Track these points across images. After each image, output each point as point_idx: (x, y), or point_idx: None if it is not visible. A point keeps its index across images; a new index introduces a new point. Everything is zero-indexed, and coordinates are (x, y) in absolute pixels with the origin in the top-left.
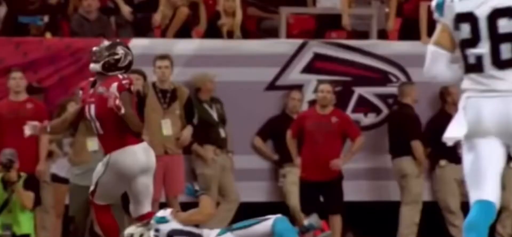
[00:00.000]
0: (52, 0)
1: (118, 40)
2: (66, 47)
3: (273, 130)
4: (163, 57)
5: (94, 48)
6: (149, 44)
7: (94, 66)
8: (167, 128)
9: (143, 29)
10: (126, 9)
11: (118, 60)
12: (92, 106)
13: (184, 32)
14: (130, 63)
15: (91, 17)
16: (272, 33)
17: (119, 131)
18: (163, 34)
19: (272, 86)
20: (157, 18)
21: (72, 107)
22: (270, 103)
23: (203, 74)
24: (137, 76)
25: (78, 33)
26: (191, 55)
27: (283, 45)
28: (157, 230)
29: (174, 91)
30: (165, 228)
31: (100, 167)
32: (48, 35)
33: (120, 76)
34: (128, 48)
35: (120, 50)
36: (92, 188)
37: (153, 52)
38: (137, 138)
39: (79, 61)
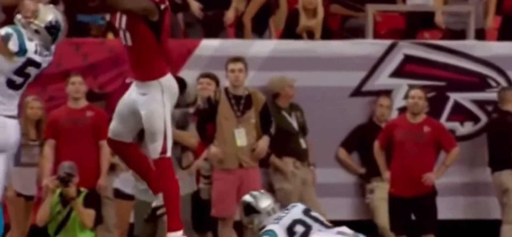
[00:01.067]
0: None
1: None
2: None
3: (359, 140)
4: (237, 59)
5: None
6: (221, 46)
7: None
8: (242, 138)
9: (215, 28)
10: (195, 6)
11: None
12: (124, 16)
13: (261, 21)
14: None
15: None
16: (358, 33)
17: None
18: (237, 33)
19: (357, 92)
20: (229, 15)
21: None
22: (355, 111)
23: (281, 78)
24: (209, 80)
25: None
26: (267, 57)
27: (370, 47)
28: None
29: (249, 97)
30: None
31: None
32: (110, 35)
33: None
34: None
35: None
36: None
37: (225, 54)
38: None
39: None
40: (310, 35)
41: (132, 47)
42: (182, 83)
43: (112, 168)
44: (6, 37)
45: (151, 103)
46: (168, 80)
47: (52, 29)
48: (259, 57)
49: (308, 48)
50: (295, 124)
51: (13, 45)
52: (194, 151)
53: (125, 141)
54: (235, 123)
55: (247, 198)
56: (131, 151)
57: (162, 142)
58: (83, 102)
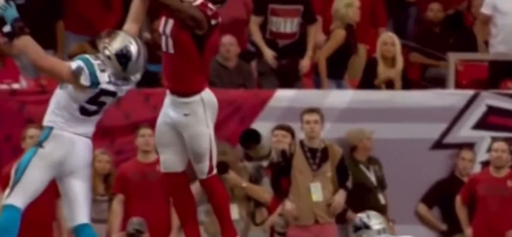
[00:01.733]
0: None
1: None
2: None
3: (440, 195)
4: (312, 110)
5: None
6: (296, 96)
7: None
8: (317, 192)
9: (289, 77)
10: (269, 54)
11: None
12: (170, 20)
13: (338, 60)
14: None
15: (230, 64)
16: (439, 83)
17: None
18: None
19: (439, 144)
20: (305, 64)
21: None
22: (436, 164)
23: (359, 130)
24: (284, 133)
25: (216, 83)
26: (344, 108)
27: (452, 97)
28: None
29: (325, 150)
30: None
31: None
32: None
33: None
34: None
35: None
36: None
37: (301, 105)
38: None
39: (217, 116)
40: (389, 85)
41: (173, 56)
42: (256, 136)
43: None
44: (78, 72)
45: (195, 125)
46: (209, 94)
47: (122, 58)
48: (336, 108)
49: (387, 99)
50: (373, 178)
51: (85, 80)
52: (268, 207)
53: (180, 171)
54: (310, 177)
55: (360, 214)
56: (185, 187)
57: (208, 163)
58: (153, 156)
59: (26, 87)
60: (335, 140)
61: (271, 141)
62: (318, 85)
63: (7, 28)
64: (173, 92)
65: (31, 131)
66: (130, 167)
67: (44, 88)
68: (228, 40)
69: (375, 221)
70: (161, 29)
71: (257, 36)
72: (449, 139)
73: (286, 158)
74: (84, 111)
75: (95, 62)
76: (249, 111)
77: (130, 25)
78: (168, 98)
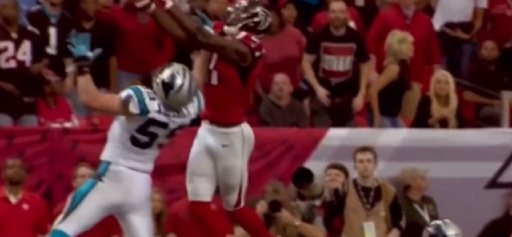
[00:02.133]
0: None
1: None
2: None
3: (495, 235)
4: (365, 149)
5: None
6: (349, 135)
7: (229, 30)
8: (371, 232)
9: (342, 116)
10: (322, 92)
11: (257, 23)
12: (214, 55)
13: (392, 96)
14: (270, 26)
15: (282, 103)
16: (493, 121)
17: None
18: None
19: (493, 183)
20: (358, 102)
21: (261, 207)
22: (490, 204)
23: (413, 169)
24: (338, 172)
25: (268, 122)
26: (398, 147)
27: (506, 136)
28: None
29: (379, 189)
30: None
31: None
32: None
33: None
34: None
35: (260, 11)
36: None
37: (353, 143)
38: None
39: (268, 155)
40: (443, 124)
41: (216, 88)
42: (308, 175)
43: None
44: (127, 100)
45: (231, 157)
46: (248, 128)
47: (166, 85)
48: (389, 146)
49: (440, 138)
50: (427, 218)
51: (133, 107)
52: None
53: (210, 200)
54: (364, 216)
55: (437, 221)
56: (215, 215)
57: (237, 196)
58: None
59: (78, 126)
60: (388, 179)
61: (324, 180)
62: (371, 122)
63: (70, 68)
64: (213, 121)
65: (82, 170)
66: (182, 206)
67: (96, 127)
68: (280, 78)
69: (452, 231)
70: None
71: (310, 75)
72: (503, 178)
73: (339, 197)
74: (135, 141)
75: (145, 91)
76: (301, 150)
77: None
78: (206, 127)
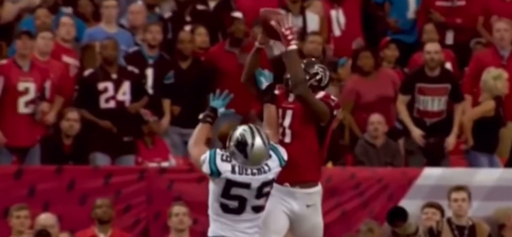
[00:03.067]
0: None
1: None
2: (350, 177)
3: None
4: (460, 188)
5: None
6: (444, 174)
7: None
8: None
9: (436, 155)
10: (417, 133)
11: (320, 81)
12: (289, 113)
13: (488, 132)
14: (330, 79)
15: (377, 142)
16: None
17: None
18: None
19: None
20: (451, 141)
21: None
22: None
23: (507, 208)
24: (434, 210)
25: (363, 162)
26: (492, 186)
27: None
28: None
29: (473, 228)
30: None
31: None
32: (329, 164)
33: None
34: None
35: (319, 69)
36: None
37: (448, 183)
38: None
39: (363, 194)
40: None
41: (291, 146)
42: (403, 214)
43: None
44: (202, 162)
45: (316, 215)
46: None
47: (239, 145)
48: (483, 186)
49: None
50: None
51: (205, 168)
52: None
53: None
54: None
55: None
56: None
57: None
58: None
59: (175, 166)
60: (483, 218)
61: (420, 219)
62: (468, 162)
63: (201, 115)
64: (295, 183)
65: (176, 209)
66: None
67: (192, 167)
68: (376, 119)
69: None
70: (280, 119)
71: (405, 115)
72: None
73: (434, 235)
74: (225, 208)
75: (220, 153)
76: (396, 189)
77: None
78: (284, 190)
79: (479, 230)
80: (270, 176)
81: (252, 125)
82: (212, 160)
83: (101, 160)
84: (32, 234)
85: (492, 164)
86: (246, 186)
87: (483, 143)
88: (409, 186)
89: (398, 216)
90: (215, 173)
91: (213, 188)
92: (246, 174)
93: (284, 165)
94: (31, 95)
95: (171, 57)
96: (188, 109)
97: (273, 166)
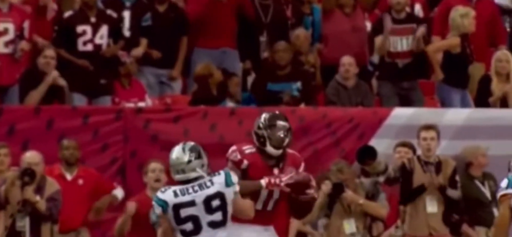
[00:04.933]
0: (308, 65)
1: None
2: (322, 117)
3: None
4: (429, 127)
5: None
6: (413, 114)
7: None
8: (433, 205)
9: (407, 99)
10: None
11: None
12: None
13: (458, 68)
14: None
15: (349, 83)
16: None
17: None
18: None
19: None
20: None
21: (326, 186)
22: None
23: (475, 147)
24: (406, 149)
25: (334, 102)
26: (461, 125)
27: None
28: None
29: (439, 164)
30: None
31: None
32: (302, 104)
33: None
34: None
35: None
36: None
37: (417, 122)
38: None
39: (335, 133)
40: (503, 103)
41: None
42: (373, 152)
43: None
44: (152, 211)
45: None
46: None
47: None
48: (452, 125)
49: (502, 116)
50: (488, 193)
51: (157, 211)
52: (384, 221)
53: None
54: (428, 190)
55: None
56: None
57: None
58: None
59: (151, 106)
60: (451, 157)
61: (388, 158)
62: (441, 96)
63: None
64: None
65: (153, 165)
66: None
67: (168, 107)
68: (347, 60)
69: None
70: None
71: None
72: None
73: (406, 172)
74: (184, 233)
75: (158, 192)
76: (367, 129)
77: None
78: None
79: (445, 164)
80: (214, 189)
81: (184, 144)
82: (157, 199)
83: (79, 100)
84: (18, 172)
85: (464, 100)
86: (191, 203)
87: (454, 78)
88: (379, 126)
89: (367, 154)
90: (164, 206)
91: (172, 225)
92: (188, 193)
93: (232, 186)
94: (11, 35)
95: (148, 0)
96: (165, 51)
97: (217, 181)
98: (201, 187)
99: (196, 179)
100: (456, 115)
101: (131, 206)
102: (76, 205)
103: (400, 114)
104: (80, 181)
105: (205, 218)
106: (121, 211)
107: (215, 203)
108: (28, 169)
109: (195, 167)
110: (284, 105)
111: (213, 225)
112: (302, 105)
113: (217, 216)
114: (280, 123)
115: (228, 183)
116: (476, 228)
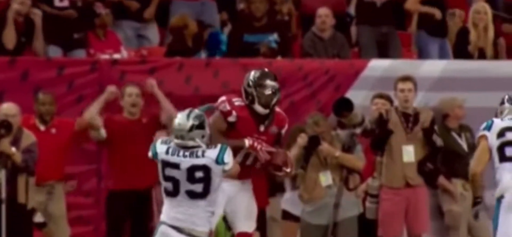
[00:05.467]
0: (281, 15)
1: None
2: (298, 69)
3: None
4: (406, 79)
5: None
6: (390, 65)
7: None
8: (409, 154)
9: (385, 48)
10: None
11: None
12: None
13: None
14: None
15: (325, 35)
16: None
17: None
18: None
19: None
20: (412, 29)
21: (302, 139)
22: None
23: (451, 99)
24: (384, 101)
25: (311, 54)
26: (437, 77)
27: None
28: None
29: (417, 114)
30: None
31: None
32: (278, 57)
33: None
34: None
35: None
36: None
37: (394, 74)
38: None
39: (311, 86)
40: (481, 54)
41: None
42: (349, 104)
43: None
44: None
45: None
46: None
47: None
48: (429, 77)
49: (479, 68)
50: (464, 145)
51: (150, 153)
52: (361, 173)
53: None
54: (404, 139)
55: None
56: None
57: None
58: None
59: (126, 57)
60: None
61: (365, 110)
62: (419, 46)
63: None
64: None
65: (129, 89)
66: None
67: (144, 58)
68: (324, 11)
69: None
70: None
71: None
72: None
73: (383, 123)
74: (165, 191)
75: (161, 138)
76: (343, 81)
77: None
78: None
79: (423, 115)
80: (202, 161)
81: (187, 111)
82: (154, 145)
83: (54, 52)
84: None
85: (443, 49)
86: (176, 166)
87: (431, 26)
88: (356, 77)
89: (344, 106)
90: (155, 154)
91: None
92: (178, 155)
93: (223, 165)
94: None
95: None
96: (142, 3)
97: (209, 154)
98: (191, 154)
99: (193, 147)
100: (433, 66)
101: (112, 88)
102: (50, 156)
103: (377, 66)
104: (53, 130)
105: (184, 185)
106: (97, 162)
107: (199, 174)
108: (4, 121)
109: (194, 136)
110: (261, 57)
111: (191, 194)
112: (279, 58)
113: (197, 187)
114: (269, 82)
115: (218, 161)
116: (452, 180)
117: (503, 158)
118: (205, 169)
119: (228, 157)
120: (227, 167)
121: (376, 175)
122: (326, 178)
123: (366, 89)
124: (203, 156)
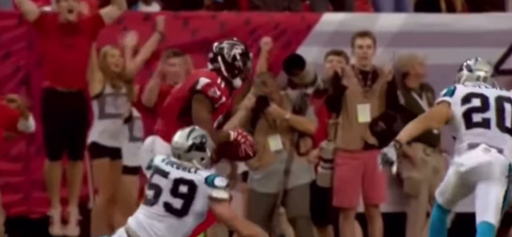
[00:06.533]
0: None
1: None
2: (245, 23)
3: None
4: (365, 34)
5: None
6: (344, 19)
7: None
8: (365, 113)
9: (339, 0)
10: None
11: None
12: None
13: None
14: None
15: None
16: (497, 6)
17: None
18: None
19: (496, 70)
20: None
21: (249, 100)
22: None
23: (411, 56)
24: (339, 58)
25: (259, 6)
26: (396, 32)
27: (510, 21)
28: None
29: (375, 72)
30: None
31: None
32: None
33: None
34: None
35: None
36: None
37: (349, 29)
38: None
39: (259, 40)
40: (450, 8)
41: None
42: (301, 62)
43: None
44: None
45: None
46: None
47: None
48: (387, 32)
49: (441, 22)
50: (425, 106)
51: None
52: (313, 137)
53: None
54: (361, 98)
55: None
56: None
57: None
58: None
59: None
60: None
61: (318, 67)
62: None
63: None
64: None
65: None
66: None
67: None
68: None
69: (480, 66)
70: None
71: None
72: (507, 65)
73: (339, 82)
74: (145, 200)
75: (161, 156)
76: (294, 36)
77: None
78: None
79: (381, 72)
80: (191, 176)
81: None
82: (152, 158)
83: None
84: None
85: (400, 2)
86: (165, 174)
87: None
88: (307, 32)
89: (295, 64)
90: (150, 162)
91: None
92: (171, 166)
93: (212, 188)
94: None
95: None
96: None
97: (200, 173)
98: (184, 168)
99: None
100: (392, 21)
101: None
102: None
103: (330, 20)
104: None
105: (165, 196)
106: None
107: (183, 189)
108: None
109: (192, 158)
110: (205, 10)
111: (168, 207)
112: (225, 11)
113: (177, 202)
114: (251, 54)
115: (208, 181)
116: (412, 145)
117: (470, 124)
118: (191, 185)
119: (221, 183)
120: (215, 193)
121: (331, 138)
122: (275, 142)
123: (319, 45)
124: (194, 172)
